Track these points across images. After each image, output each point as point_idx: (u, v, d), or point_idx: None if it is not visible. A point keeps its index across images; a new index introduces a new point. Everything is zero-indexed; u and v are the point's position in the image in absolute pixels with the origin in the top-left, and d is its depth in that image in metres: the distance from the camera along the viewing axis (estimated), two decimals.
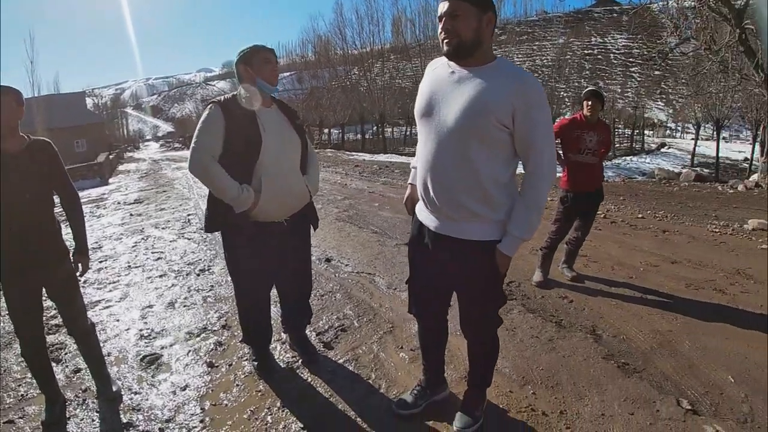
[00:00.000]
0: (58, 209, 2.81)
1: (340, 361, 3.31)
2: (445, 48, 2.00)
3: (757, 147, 19.07)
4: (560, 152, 4.59)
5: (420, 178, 2.21)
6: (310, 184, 2.97)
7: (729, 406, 2.81)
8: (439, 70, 2.16)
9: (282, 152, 2.79)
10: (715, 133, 28.44)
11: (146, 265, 5.94)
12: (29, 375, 3.11)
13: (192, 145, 2.68)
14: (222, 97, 2.80)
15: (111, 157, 32.50)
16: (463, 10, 1.94)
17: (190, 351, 3.55)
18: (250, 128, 2.68)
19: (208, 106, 2.74)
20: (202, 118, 2.72)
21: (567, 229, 4.66)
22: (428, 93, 2.14)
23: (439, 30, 2.01)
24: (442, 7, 1.97)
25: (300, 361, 3.28)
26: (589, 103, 4.46)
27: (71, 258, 2.83)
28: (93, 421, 2.83)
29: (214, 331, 3.86)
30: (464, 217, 2.12)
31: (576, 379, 3.06)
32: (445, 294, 2.51)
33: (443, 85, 2.09)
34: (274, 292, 3.26)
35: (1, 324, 4.43)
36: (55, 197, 2.79)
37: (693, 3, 14.79)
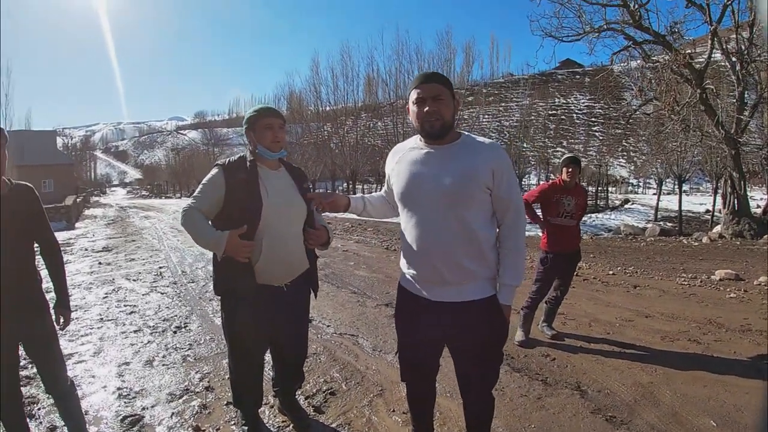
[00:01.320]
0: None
1: (333, 425, 3.22)
2: (428, 128, 2.19)
3: (719, 199, 19.77)
4: (540, 215, 4.81)
5: (414, 251, 2.28)
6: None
7: None
8: (412, 153, 2.32)
9: (285, 217, 2.78)
10: (676, 187, 29.35)
11: (119, 318, 5.76)
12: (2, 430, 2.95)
13: (188, 201, 2.72)
14: (228, 159, 2.82)
15: (78, 200, 31.92)
16: (445, 94, 2.18)
17: (173, 413, 3.41)
18: (251, 193, 2.69)
19: (213, 168, 2.78)
20: (205, 178, 2.75)
21: (547, 289, 4.78)
22: (411, 173, 2.28)
23: (419, 112, 2.19)
24: (425, 90, 2.17)
25: (291, 425, 3.18)
26: (569, 169, 4.69)
27: (51, 311, 2.68)
28: None
29: (197, 392, 3.72)
30: (463, 280, 2.21)
31: None
32: (437, 358, 2.55)
33: (425, 163, 2.26)
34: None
35: None
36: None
37: (655, 65, 15.51)
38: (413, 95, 2.20)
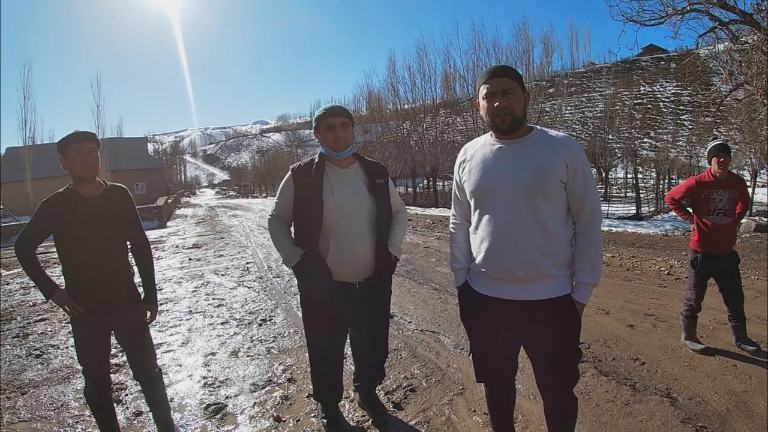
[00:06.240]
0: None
1: (411, 422, 3.18)
2: (500, 123, 2.16)
3: None
4: (690, 211, 4.43)
5: (485, 248, 2.22)
6: (391, 247, 2.96)
7: None
8: (483, 149, 2.30)
9: (350, 216, 2.81)
10: None
11: (207, 311, 6.02)
12: (87, 413, 3.11)
13: (271, 207, 2.99)
14: (299, 163, 2.95)
15: (169, 201, 33.60)
16: (515, 88, 2.16)
17: (255, 403, 3.50)
18: (313, 194, 2.77)
19: (288, 171, 2.95)
20: (281, 182, 2.95)
21: (702, 294, 4.37)
22: (483, 169, 2.25)
23: (489, 107, 2.16)
24: (495, 85, 2.15)
25: (370, 420, 3.18)
26: (721, 159, 4.20)
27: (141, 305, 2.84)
28: None
29: (280, 384, 3.81)
30: (535, 278, 2.15)
31: None
32: (513, 358, 2.48)
33: (496, 159, 2.23)
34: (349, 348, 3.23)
35: (60, 359, 4.51)
36: None
37: (744, 46, 14.46)
38: (483, 90, 2.19)
